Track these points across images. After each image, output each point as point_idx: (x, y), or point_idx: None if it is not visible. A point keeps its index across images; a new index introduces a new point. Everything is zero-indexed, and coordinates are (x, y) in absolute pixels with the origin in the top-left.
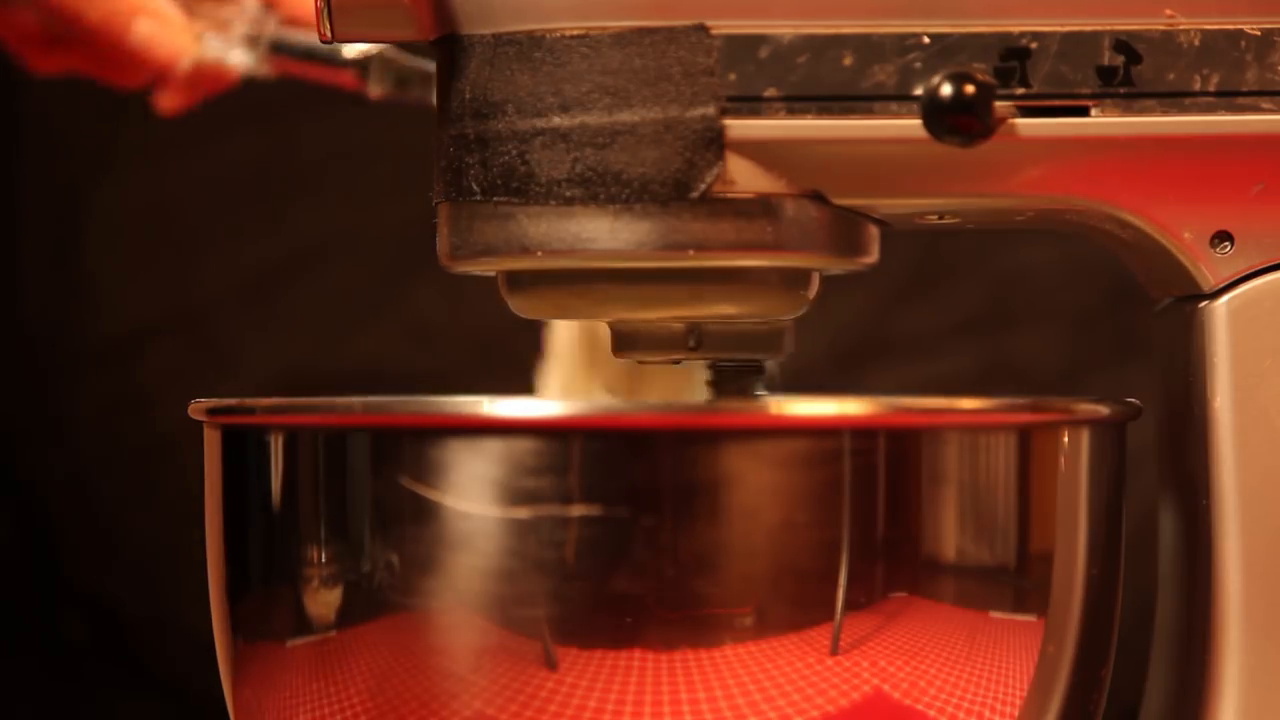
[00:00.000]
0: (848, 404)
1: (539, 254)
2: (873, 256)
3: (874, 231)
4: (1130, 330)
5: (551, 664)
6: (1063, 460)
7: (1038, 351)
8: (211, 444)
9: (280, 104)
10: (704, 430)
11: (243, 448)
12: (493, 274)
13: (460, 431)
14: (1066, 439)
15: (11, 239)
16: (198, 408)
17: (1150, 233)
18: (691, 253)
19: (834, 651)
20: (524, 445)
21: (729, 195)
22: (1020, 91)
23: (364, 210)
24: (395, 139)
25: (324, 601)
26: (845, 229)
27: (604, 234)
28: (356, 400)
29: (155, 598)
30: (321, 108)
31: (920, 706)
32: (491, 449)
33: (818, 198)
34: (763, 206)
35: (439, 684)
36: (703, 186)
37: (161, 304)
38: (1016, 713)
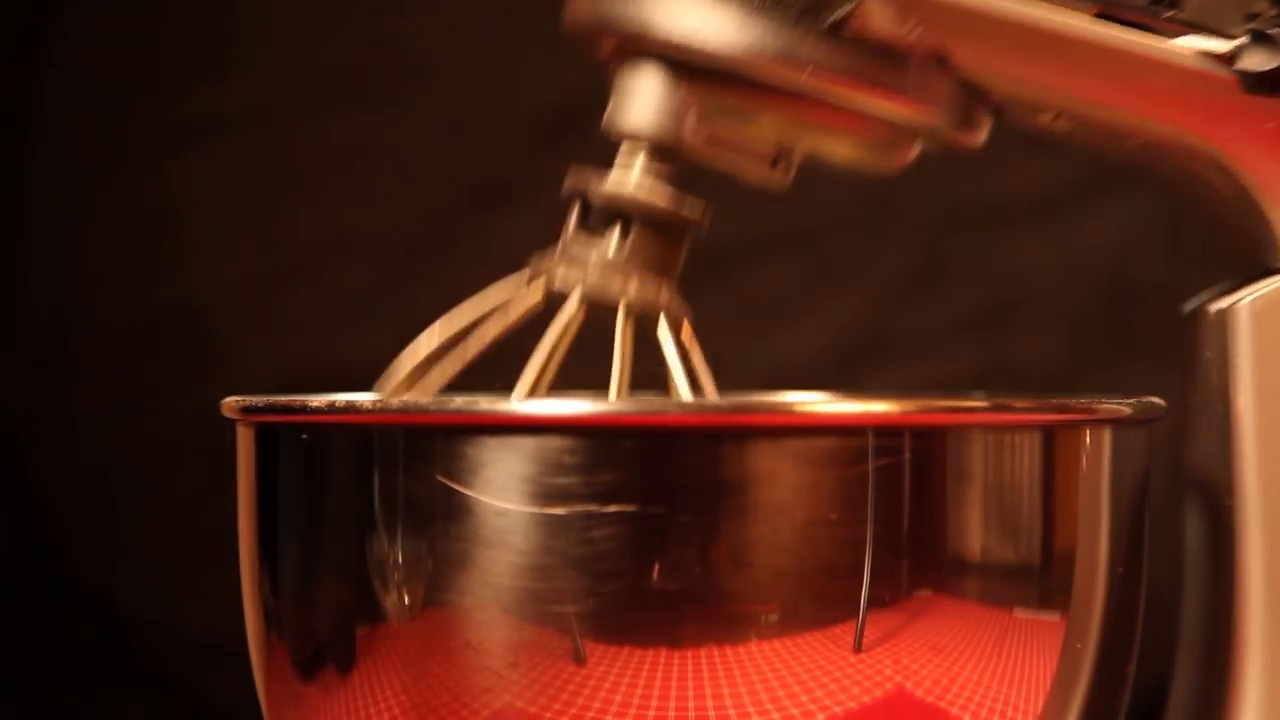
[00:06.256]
0: (874, 402)
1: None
2: (976, 140)
3: (984, 117)
4: (1128, 331)
5: (580, 659)
6: (1085, 459)
7: (1037, 351)
8: (245, 442)
9: (280, 104)
10: (733, 428)
11: (276, 445)
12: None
13: (494, 429)
14: (1089, 438)
15: (16, 238)
16: (231, 405)
17: (1248, 188)
18: (810, 69)
19: (858, 649)
20: (556, 443)
21: (860, 32)
22: (1170, 14)
23: (364, 210)
24: (395, 139)
25: (357, 597)
26: (960, 99)
27: (731, 29)
28: (393, 398)
29: (157, 598)
30: (321, 108)
31: (943, 704)
32: (524, 447)
33: (942, 61)
34: (887, 51)
35: (470, 678)
36: (838, 14)
37: (162, 304)
38: (1039, 710)
